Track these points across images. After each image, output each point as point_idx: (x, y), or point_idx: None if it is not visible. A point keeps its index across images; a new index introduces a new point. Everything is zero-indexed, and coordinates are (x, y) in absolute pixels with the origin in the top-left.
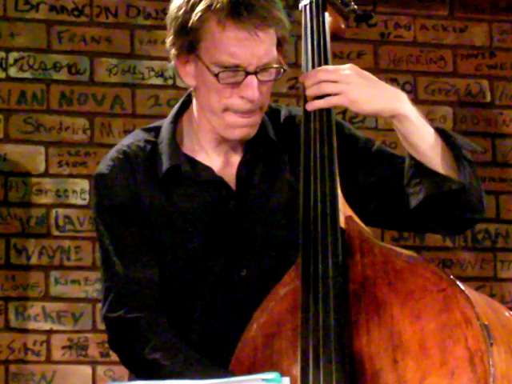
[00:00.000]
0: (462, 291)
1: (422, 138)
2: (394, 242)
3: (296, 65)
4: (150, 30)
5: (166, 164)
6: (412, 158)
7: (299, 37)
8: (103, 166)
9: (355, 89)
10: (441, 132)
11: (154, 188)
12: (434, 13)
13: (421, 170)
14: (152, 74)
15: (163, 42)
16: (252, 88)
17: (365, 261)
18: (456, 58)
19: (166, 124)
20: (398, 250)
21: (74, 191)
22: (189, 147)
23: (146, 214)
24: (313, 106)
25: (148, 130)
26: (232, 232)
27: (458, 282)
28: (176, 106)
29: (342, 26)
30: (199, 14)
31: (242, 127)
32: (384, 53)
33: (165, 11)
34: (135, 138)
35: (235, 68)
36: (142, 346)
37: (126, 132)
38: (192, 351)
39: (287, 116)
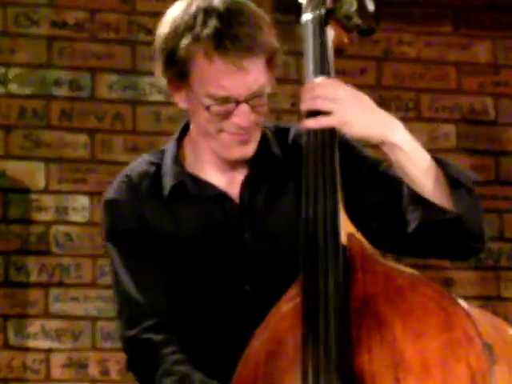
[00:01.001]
0: (464, 309)
1: (414, 166)
2: (396, 259)
3: (298, 81)
4: (152, 45)
5: (170, 183)
6: (407, 185)
7: (301, 53)
8: (109, 191)
9: (349, 110)
10: (437, 160)
11: (158, 208)
12: (438, 29)
13: (414, 198)
14: (153, 90)
15: None
16: (244, 115)
17: (366, 278)
18: (460, 75)
19: (170, 144)
20: (401, 267)
21: (75, 208)
22: (192, 166)
23: (152, 235)
24: (305, 125)
25: (154, 153)
26: (235, 247)
27: (459, 301)
28: (181, 126)
29: (345, 41)
30: (186, 46)
31: (240, 145)
32: (387, 70)
33: None
34: (139, 161)
35: (226, 99)
36: (154, 370)
37: (127, 149)
38: (200, 374)
39: (295, 134)
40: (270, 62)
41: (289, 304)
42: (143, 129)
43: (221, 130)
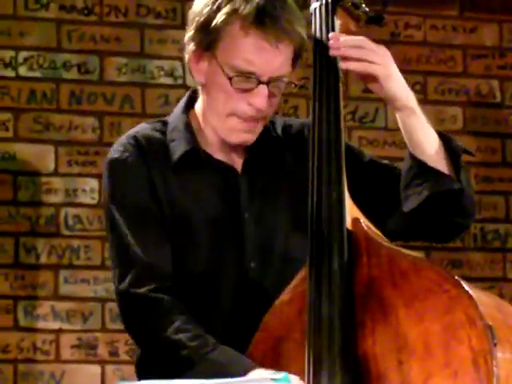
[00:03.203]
0: (466, 292)
1: (427, 137)
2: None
3: (305, 64)
4: (160, 29)
5: (182, 147)
6: (414, 159)
7: (309, 36)
8: (115, 153)
9: (391, 66)
10: (441, 135)
11: (166, 173)
12: (444, 13)
13: (424, 169)
14: (162, 73)
15: (173, 42)
16: (262, 97)
17: (371, 262)
18: (466, 59)
19: (174, 116)
20: (404, 251)
21: (84, 190)
22: (199, 140)
23: (160, 199)
24: (349, 65)
25: (152, 122)
26: (240, 224)
27: (462, 283)
28: (183, 100)
29: (353, 29)
30: (224, 16)
31: (243, 132)
32: (394, 53)
33: (175, 11)
34: (142, 127)
35: (249, 75)
36: (166, 327)
37: None
38: (211, 337)
39: (283, 126)
40: (295, 57)
41: (297, 289)
42: (152, 111)
43: (232, 114)
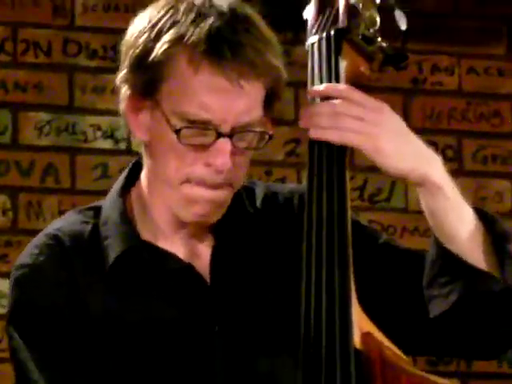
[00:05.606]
0: None
1: (459, 219)
2: (431, 366)
3: (296, 123)
4: (96, 73)
5: (117, 248)
6: (440, 247)
7: (301, 85)
8: (26, 256)
9: (385, 136)
10: (481, 214)
11: (99, 283)
12: (487, 52)
13: (453, 263)
14: (98, 134)
15: (114, 91)
16: (223, 154)
17: None
18: None
19: (109, 200)
20: (433, 378)
21: None
22: (143, 230)
23: (86, 318)
24: (321, 134)
25: (83, 211)
26: (207, 346)
27: None
28: (120, 179)
29: (364, 71)
30: (166, 45)
31: (203, 203)
32: (417, 106)
33: (115, 48)
34: (67, 220)
35: (204, 125)
36: None
37: (63, 214)
38: None
39: (265, 196)
40: (269, 98)
41: None
42: (84, 186)
43: (185, 181)
